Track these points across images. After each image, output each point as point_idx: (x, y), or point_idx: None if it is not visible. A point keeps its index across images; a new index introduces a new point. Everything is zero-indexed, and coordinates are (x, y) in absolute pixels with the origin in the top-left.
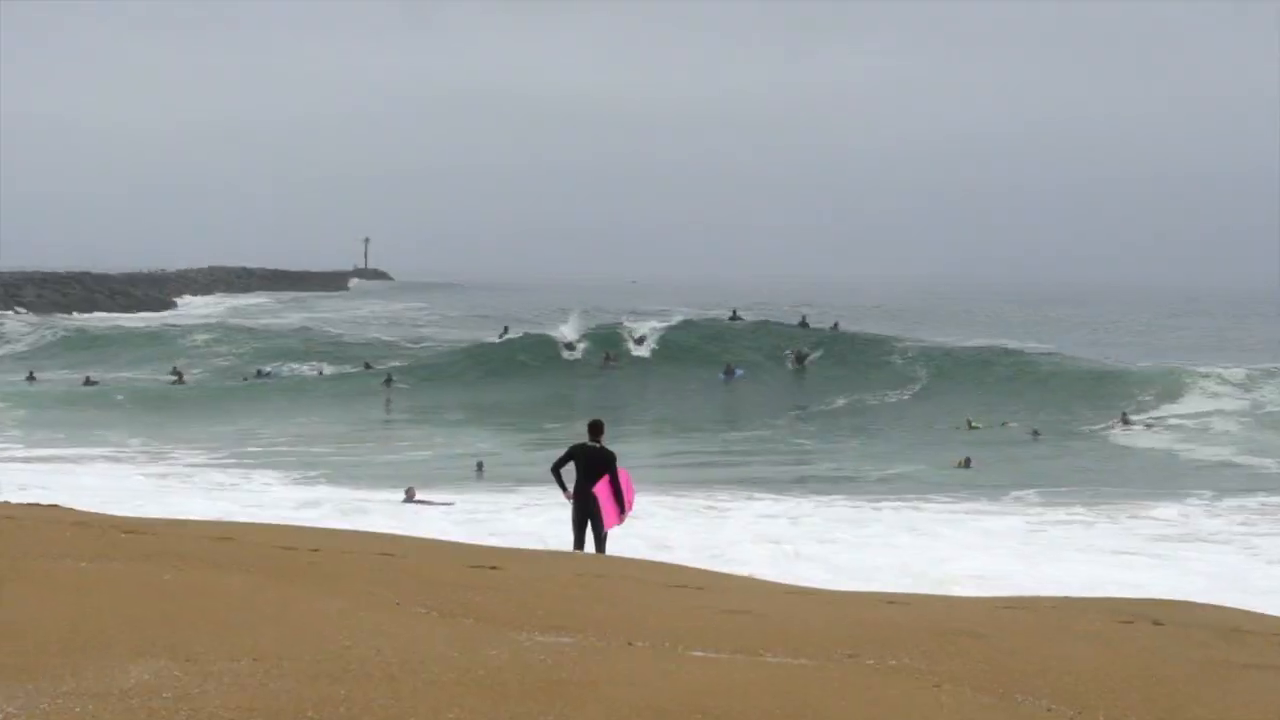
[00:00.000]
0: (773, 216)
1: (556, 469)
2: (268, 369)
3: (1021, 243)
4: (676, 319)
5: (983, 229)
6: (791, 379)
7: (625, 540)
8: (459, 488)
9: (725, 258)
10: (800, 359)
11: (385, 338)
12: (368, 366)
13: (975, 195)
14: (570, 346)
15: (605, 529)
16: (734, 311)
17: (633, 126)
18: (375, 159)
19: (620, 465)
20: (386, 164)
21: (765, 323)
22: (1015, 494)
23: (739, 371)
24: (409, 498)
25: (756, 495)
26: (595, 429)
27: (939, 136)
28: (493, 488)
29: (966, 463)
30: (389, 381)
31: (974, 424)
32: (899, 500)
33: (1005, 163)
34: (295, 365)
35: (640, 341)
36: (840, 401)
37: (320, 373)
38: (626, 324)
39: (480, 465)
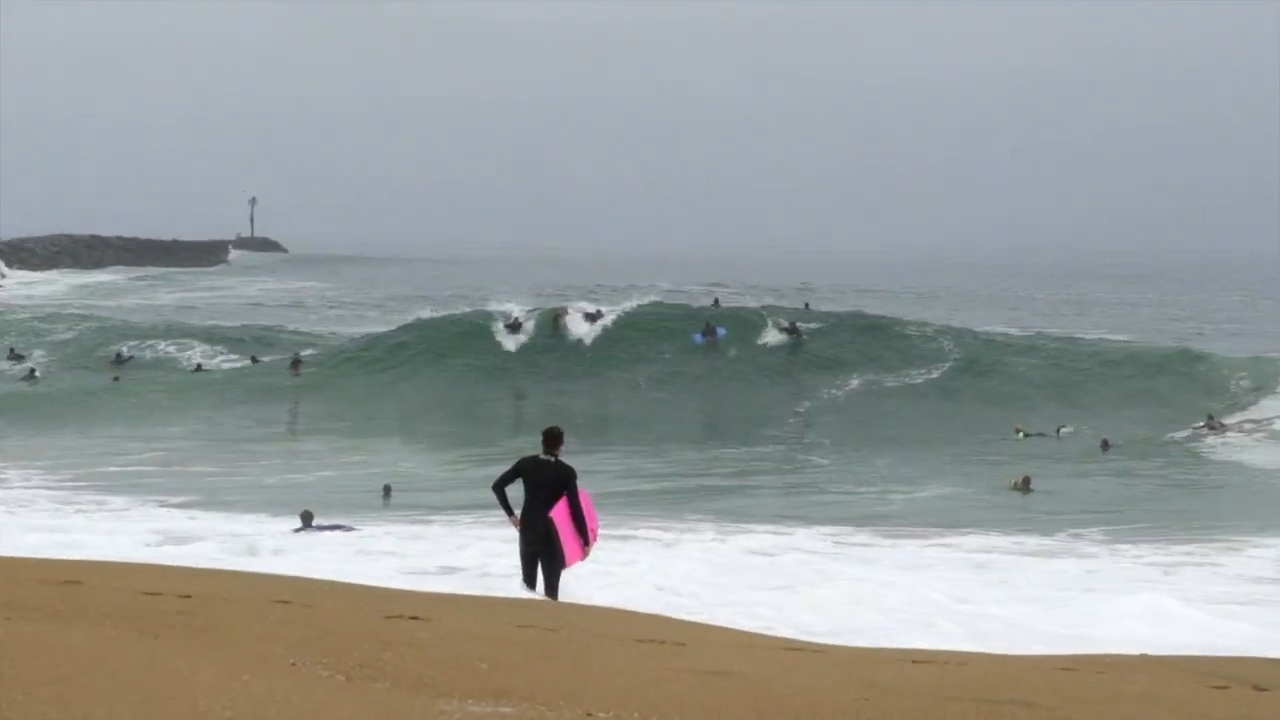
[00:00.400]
0: (768, 177)
1: (500, 487)
2: (127, 350)
3: (1028, 210)
4: (634, 303)
5: (993, 194)
6: (785, 376)
7: (582, 582)
8: (364, 518)
9: (702, 227)
10: (793, 329)
11: (285, 325)
12: (254, 360)
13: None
14: (514, 327)
15: (563, 565)
16: (715, 300)
17: (595, 55)
18: (263, 96)
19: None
20: (279, 103)
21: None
22: (1081, 524)
23: (721, 331)
24: (305, 524)
25: (749, 525)
26: (551, 439)
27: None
28: (412, 515)
29: (1025, 484)
30: (296, 364)
31: (1023, 433)
32: (933, 531)
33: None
34: (163, 344)
35: (593, 318)
36: (848, 399)
37: (198, 366)
38: (573, 309)
39: (388, 490)
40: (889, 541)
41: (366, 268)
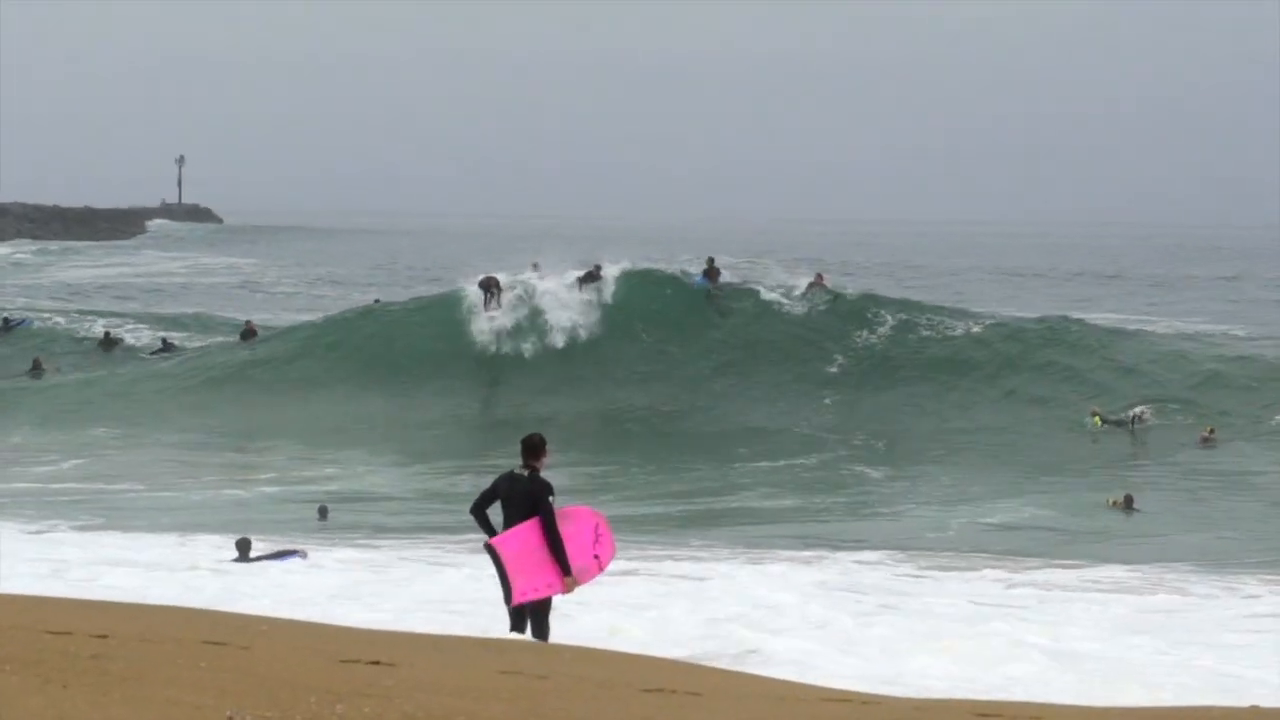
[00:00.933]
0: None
1: (480, 509)
2: (16, 317)
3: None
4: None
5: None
6: (815, 369)
7: (583, 619)
8: (309, 542)
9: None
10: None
11: (207, 311)
12: (165, 345)
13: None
14: (490, 297)
15: (512, 600)
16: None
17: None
18: (193, 39)
19: (586, 505)
20: (211, 49)
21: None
22: (1197, 553)
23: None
24: (242, 555)
25: (774, 550)
26: (530, 448)
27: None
28: (373, 538)
29: (1127, 503)
30: (249, 334)
31: (1099, 418)
32: (1013, 559)
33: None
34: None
35: (592, 277)
36: (892, 395)
37: (106, 335)
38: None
39: (324, 511)
40: (959, 571)
41: (317, 241)
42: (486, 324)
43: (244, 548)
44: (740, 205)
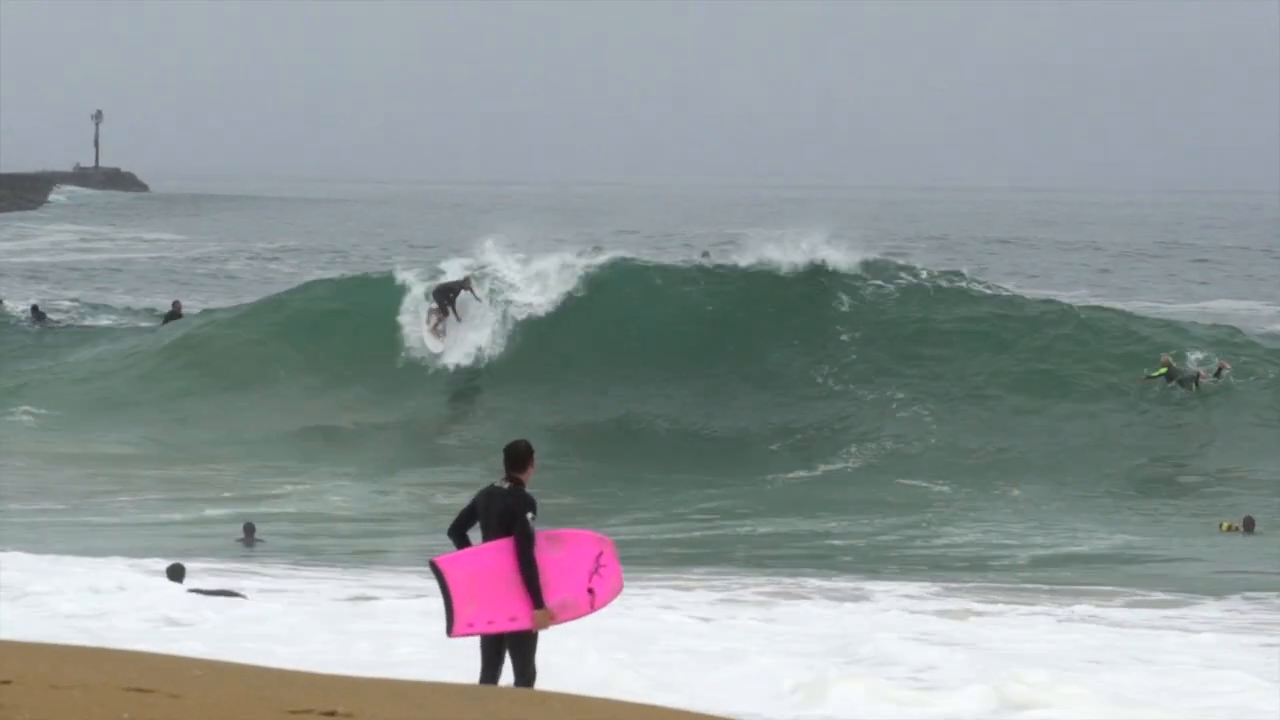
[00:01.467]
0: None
1: (458, 531)
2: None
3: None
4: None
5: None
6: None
7: (576, 660)
8: (250, 574)
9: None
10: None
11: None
12: (37, 314)
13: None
14: (441, 312)
15: (451, 631)
16: (705, 251)
17: None
18: None
19: (593, 530)
20: None
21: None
22: None
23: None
24: (175, 578)
25: (813, 578)
26: (514, 458)
27: None
28: (325, 564)
29: (1248, 526)
30: (173, 314)
31: (1167, 369)
32: (1101, 598)
33: None
34: None
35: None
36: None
37: (37, 315)
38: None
39: (250, 530)
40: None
41: (259, 211)
42: (434, 344)
43: (176, 576)
44: None
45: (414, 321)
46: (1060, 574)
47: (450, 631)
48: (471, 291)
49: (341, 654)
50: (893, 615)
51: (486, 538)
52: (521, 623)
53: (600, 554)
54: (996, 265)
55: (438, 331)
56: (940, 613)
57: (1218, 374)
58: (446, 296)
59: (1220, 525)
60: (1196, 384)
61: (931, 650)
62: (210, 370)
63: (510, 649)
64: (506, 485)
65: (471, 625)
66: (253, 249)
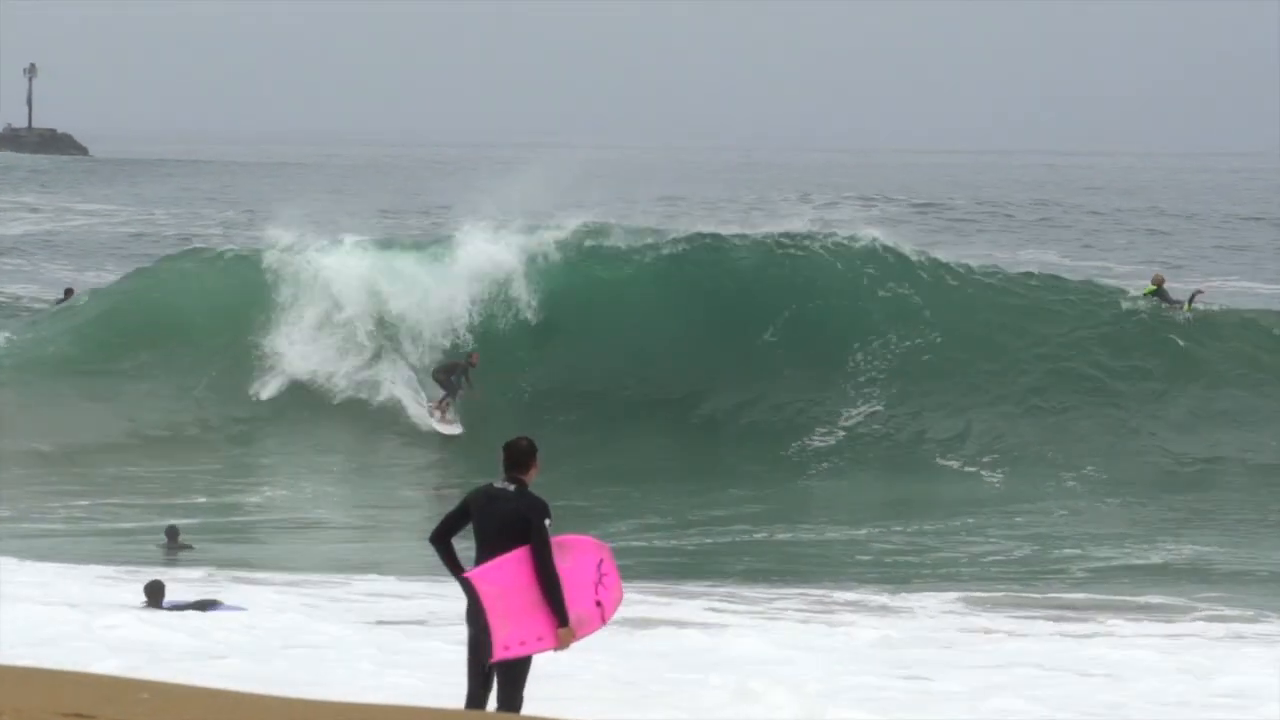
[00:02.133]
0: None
1: (443, 538)
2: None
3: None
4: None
5: None
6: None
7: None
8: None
9: None
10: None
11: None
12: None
13: None
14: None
15: (492, 656)
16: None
17: None
18: None
19: (588, 534)
20: None
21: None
22: None
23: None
24: (153, 601)
25: (846, 593)
26: (516, 457)
27: None
28: (297, 578)
29: None
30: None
31: (1159, 287)
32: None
33: None
34: None
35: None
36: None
37: None
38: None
39: (173, 533)
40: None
41: (215, 177)
42: (448, 429)
43: (155, 594)
44: None
45: (419, 413)
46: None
47: (489, 657)
48: (468, 372)
49: (313, 677)
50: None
51: (483, 546)
52: (547, 643)
53: (601, 561)
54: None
55: (448, 420)
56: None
57: (1191, 301)
58: (450, 378)
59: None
60: (1190, 302)
61: None
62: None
63: (502, 673)
64: (512, 487)
65: (508, 649)
66: (200, 219)
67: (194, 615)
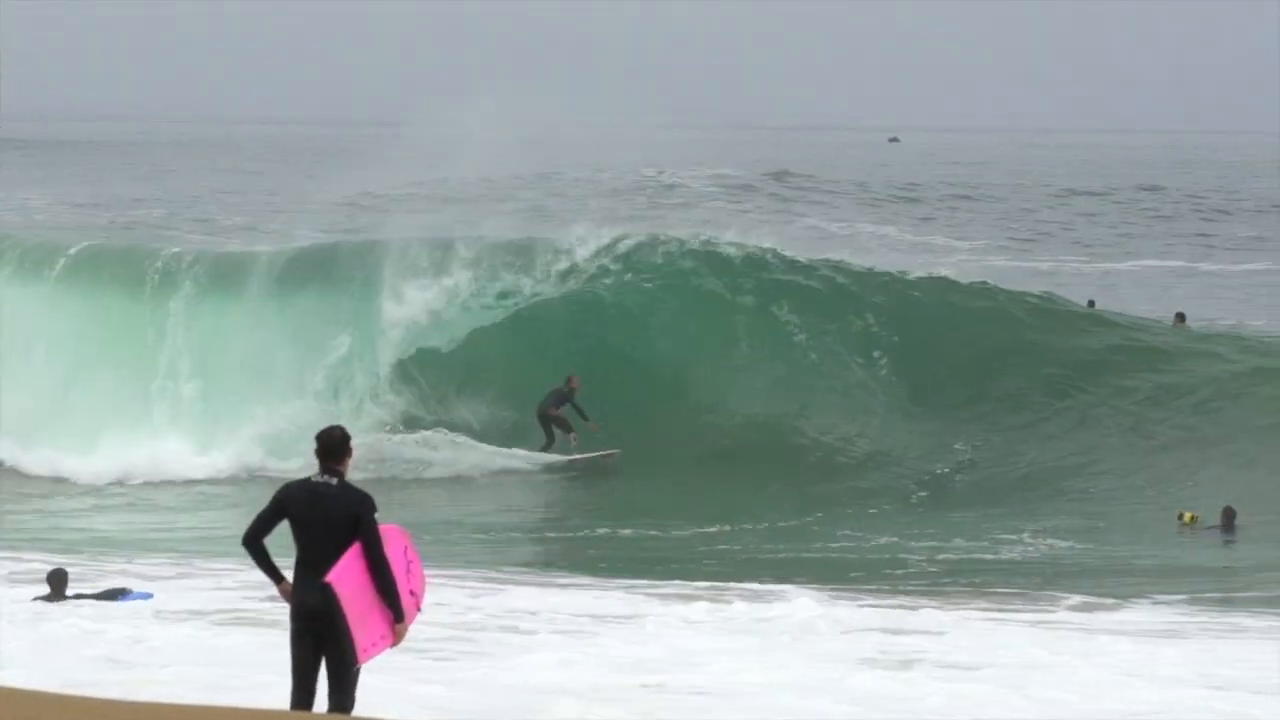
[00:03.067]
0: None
1: (255, 539)
2: None
3: None
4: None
5: None
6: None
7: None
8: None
9: None
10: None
11: None
12: None
13: None
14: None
15: (357, 660)
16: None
17: None
18: None
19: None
20: None
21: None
22: None
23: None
24: (56, 593)
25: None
26: (330, 447)
27: None
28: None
29: (1227, 520)
30: None
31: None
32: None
33: None
34: None
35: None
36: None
37: None
38: None
39: (59, 579)
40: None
41: (133, 156)
42: (571, 442)
43: (58, 584)
44: None
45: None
46: None
47: (360, 658)
48: (573, 396)
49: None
50: None
51: (307, 544)
52: (388, 640)
53: (406, 549)
54: None
55: (555, 448)
56: None
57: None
58: (559, 410)
59: (1183, 519)
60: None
61: None
62: None
63: (335, 672)
64: (334, 481)
65: (365, 651)
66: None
67: (103, 608)
